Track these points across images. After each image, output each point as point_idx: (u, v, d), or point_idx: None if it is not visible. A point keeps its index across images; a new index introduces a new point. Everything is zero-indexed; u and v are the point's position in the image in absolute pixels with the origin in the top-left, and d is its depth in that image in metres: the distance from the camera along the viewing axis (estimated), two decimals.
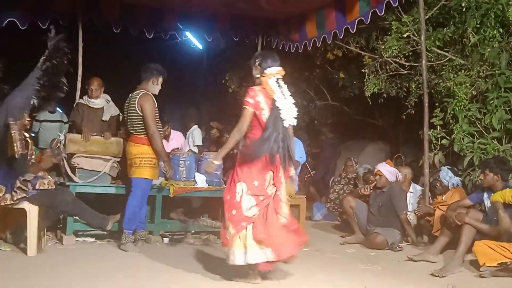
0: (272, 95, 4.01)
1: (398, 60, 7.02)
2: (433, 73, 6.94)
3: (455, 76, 6.37)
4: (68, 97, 7.21)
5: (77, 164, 5.60)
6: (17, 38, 8.13)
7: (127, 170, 5.33)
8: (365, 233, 6.10)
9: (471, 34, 6.32)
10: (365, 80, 7.40)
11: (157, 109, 5.21)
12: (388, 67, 7.21)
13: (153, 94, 5.25)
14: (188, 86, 12.51)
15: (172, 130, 6.96)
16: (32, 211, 4.72)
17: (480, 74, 6.26)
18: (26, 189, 4.70)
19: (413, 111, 7.26)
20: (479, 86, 6.25)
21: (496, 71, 6.10)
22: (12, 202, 4.68)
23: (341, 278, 4.39)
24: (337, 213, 7.89)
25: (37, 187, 4.75)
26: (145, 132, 5.16)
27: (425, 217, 6.04)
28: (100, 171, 5.65)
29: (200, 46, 11.65)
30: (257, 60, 4.15)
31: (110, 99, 6.38)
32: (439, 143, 6.45)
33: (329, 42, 7.34)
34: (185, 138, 7.55)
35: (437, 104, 6.68)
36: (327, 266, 4.89)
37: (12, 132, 4.57)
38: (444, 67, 6.65)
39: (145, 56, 7.52)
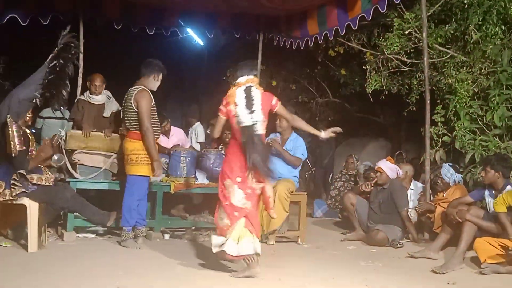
0: (232, 103, 4.22)
1: (399, 57, 7.02)
2: (435, 70, 6.93)
3: (457, 73, 6.36)
4: (69, 94, 7.23)
5: (78, 160, 5.60)
6: (18, 36, 8.15)
7: (124, 166, 5.31)
8: (366, 230, 6.10)
9: (473, 31, 6.30)
10: (366, 77, 7.39)
11: (154, 105, 5.19)
12: (389, 64, 7.21)
13: (151, 90, 5.23)
14: (189, 82, 12.49)
15: (172, 126, 6.95)
16: (32, 207, 4.72)
17: (482, 71, 6.25)
18: (21, 184, 4.69)
19: (414, 108, 7.26)
20: (481, 83, 6.24)
21: (498, 68, 6.09)
22: (11, 197, 4.68)
23: (342, 275, 4.39)
24: (338, 210, 7.90)
25: (34, 181, 4.74)
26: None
27: (426, 214, 6.03)
28: (101, 168, 5.65)
29: (201, 43, 11.61)
30: (232, 70, 4.34)
31: (111, 96, 6.37)
32: (440, 140, 6.45)
33: (331, 39, 7.31)
34: (186, 134, 7.55)
35: (438, 101, 6.67)
36: (327, 263, 4.89)
37: (10, 129, 4.56)
38: (446, 64, 6.64)
39: (146, 53, 7.47)
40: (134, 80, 5.30)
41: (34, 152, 5.00)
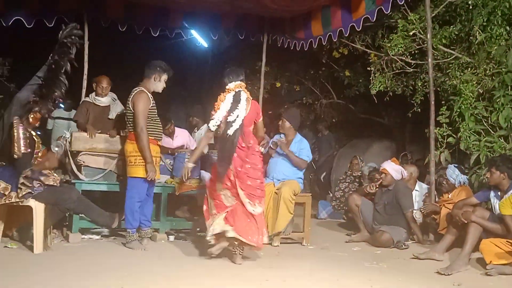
0: (218, 107, 4.63)
1: (404, 58, 7.01)
2: (439, 71, 6.92)
3: (462, 74, 6.36)
4: (74, 95, 7.24)
5: (83, 161, 5.61)
6: (21, 38, 8.18)
7: (125, 168, 5.30)
8: (371, 231, 6.10)
9: (477, 32, 6.30)
10: (370, 78, 7.38)
11: (153, 107, 5.17)
12: (394, 65, 7.20)
13: (156, 92, 5.23)
14: (194, 84, 12.51)
15: (176, 128, 6.94)
16: (38, 209, 4.73)
17: (487, 72, 6.24)
18: (30, 184, 4.69)
19: (419, 109, 7.25)
20: (485, 84, 6.23)
21: (503, 69, 6.07)
22: (17, 199, 4.69)
23: (346, 276, 4.39)
24: (343, 211, 7.89)
25: (41, 181, 4.74)
26: None
27: (431, 215, 6.02)
28: (106, 169, 5.66)
29: (205, 44, 11.64)
30: (222, 76, 4.83)
31: (116, 98, 6.38)
32: (445, 141, 6.43)
33: (335, 40, 7.31)
34: (191, 135, 7.54)
35: (443, 102, 6.66)
36: (332, 264, 4.89)
37: (15, 131, 4.58)
38: (450, 65, 6.63)
39: (150, 54, 7.50)
40: (137, 82, 5.31)
41: (39, 154, 5.00)
